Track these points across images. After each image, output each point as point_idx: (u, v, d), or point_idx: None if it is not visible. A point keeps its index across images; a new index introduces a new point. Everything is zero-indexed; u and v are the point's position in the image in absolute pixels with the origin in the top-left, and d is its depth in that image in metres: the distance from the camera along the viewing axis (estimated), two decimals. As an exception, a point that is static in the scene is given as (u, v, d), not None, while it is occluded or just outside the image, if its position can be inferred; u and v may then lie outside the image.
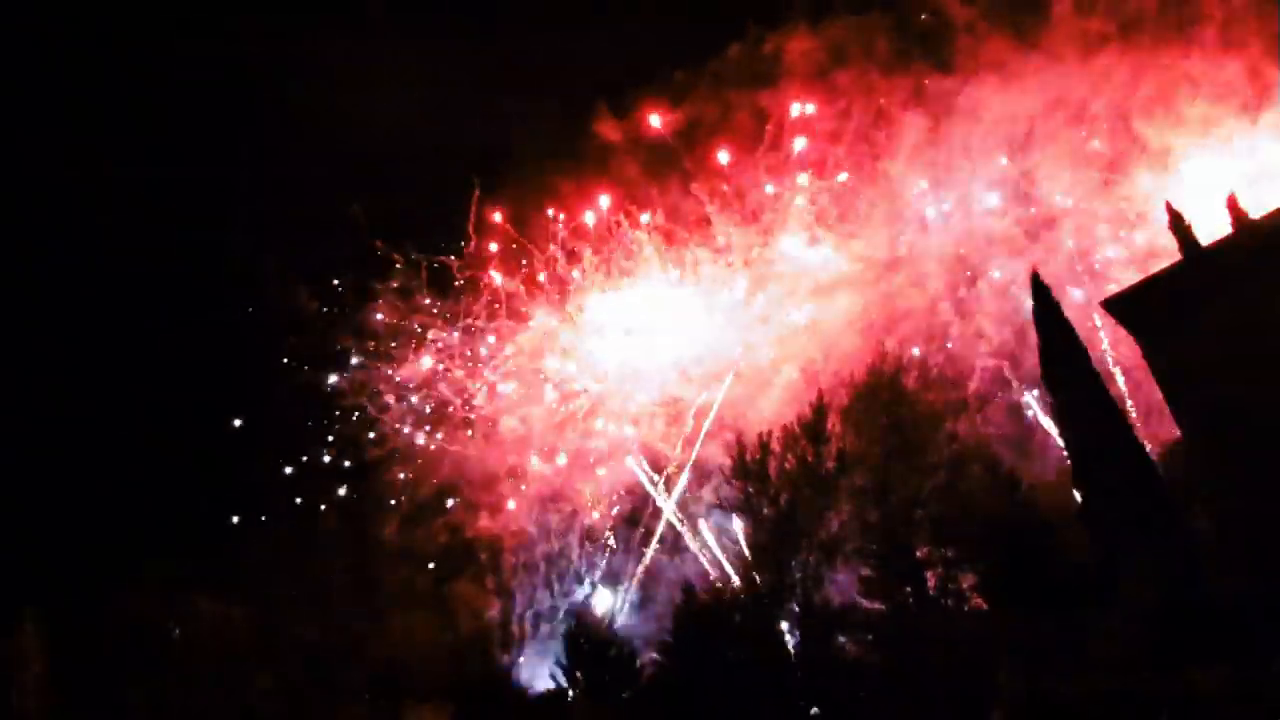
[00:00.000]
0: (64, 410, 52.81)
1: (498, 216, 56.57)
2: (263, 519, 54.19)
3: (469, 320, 57.47)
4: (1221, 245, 30.73)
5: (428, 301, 57.54)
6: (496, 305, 57.37)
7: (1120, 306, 33.33)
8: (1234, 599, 26.42)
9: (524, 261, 56.98)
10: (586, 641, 38.93)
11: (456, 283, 57.38)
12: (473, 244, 56.96)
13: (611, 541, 55.68)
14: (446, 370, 57.72)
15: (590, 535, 55.66)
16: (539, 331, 57.25)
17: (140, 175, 63.35)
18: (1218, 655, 22.01)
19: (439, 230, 57.06)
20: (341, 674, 43.58)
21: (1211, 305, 29.29)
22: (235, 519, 54.75)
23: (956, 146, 51.83)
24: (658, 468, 55.17)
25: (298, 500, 55.35)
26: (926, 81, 52.39)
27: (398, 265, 56.69)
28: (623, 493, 56.07)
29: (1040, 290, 33.74)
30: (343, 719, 41.55)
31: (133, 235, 58.95)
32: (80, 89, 61.34)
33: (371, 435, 57.23)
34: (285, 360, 57.17)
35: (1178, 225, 31.84)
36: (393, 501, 56.44)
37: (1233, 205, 30.78)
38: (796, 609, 35.54)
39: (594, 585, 53.54)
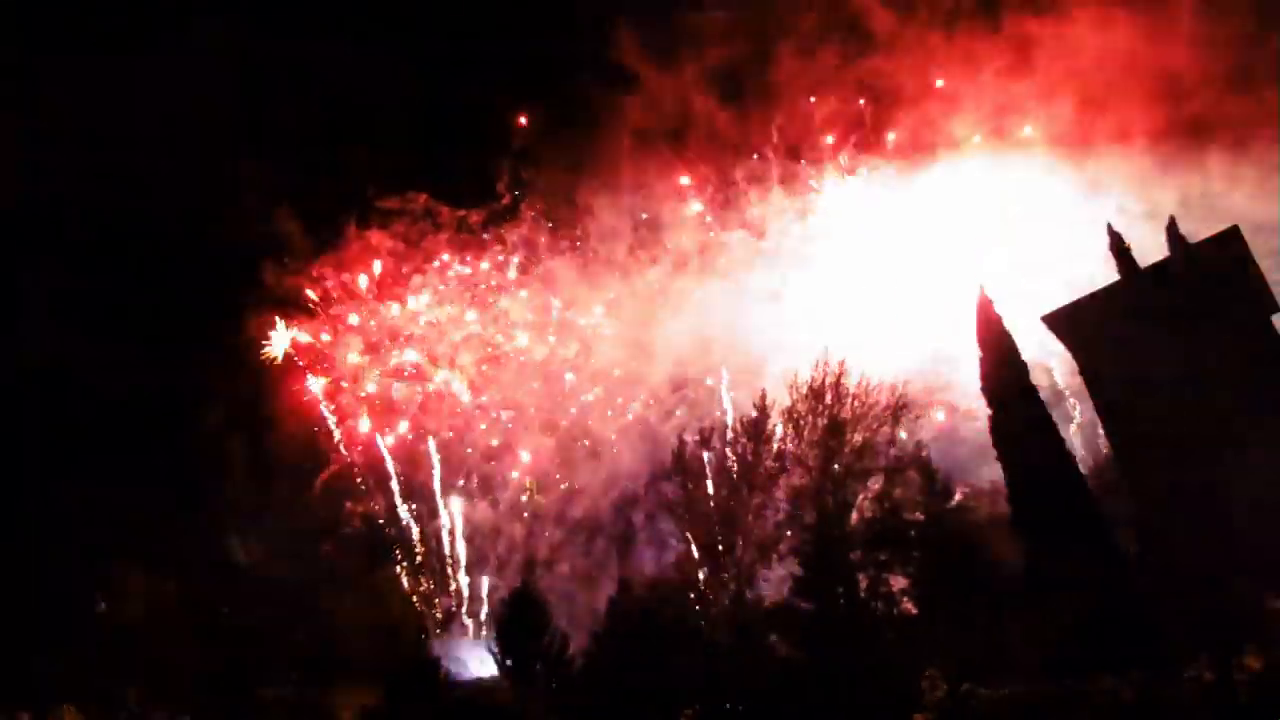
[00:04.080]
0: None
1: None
2: (194, 489, 51.17)
3: (463, 267, 54.34)
4: (1158, 268, 31.70)
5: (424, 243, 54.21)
6: (501, 259, 54.55)
7: (1059, 321, 34.19)
8: (1153, 609, 27.31)
9: (542, 218, 54.61)
10: (519, 628, 38.73)
11: (480, 236, 54.48)
12: (506, 200, 54.26)
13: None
14: (431, 324, 54.37)
15: (560, 522, 53.29)
16: (545, 298, 54.54)
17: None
18: (1135, 663, 22.67)
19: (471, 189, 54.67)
20: (270, 653, 42.90)
21: (1145, 326, 30.21)
22: (167, 488, 50.39)
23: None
24: (661, 455, 52.63)
25: (234, 468, 50.69)
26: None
27: (409, 209, 53.47)
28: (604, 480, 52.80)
29: (984, 305, 34.37)
30: (268, 698, 40.95)
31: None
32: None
33: (328, 396, 53.71)
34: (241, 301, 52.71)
35: (1117, 246, 32.84)
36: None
37: (1172, 231, 31.73)
38: (729, 605, 35.85)
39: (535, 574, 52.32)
